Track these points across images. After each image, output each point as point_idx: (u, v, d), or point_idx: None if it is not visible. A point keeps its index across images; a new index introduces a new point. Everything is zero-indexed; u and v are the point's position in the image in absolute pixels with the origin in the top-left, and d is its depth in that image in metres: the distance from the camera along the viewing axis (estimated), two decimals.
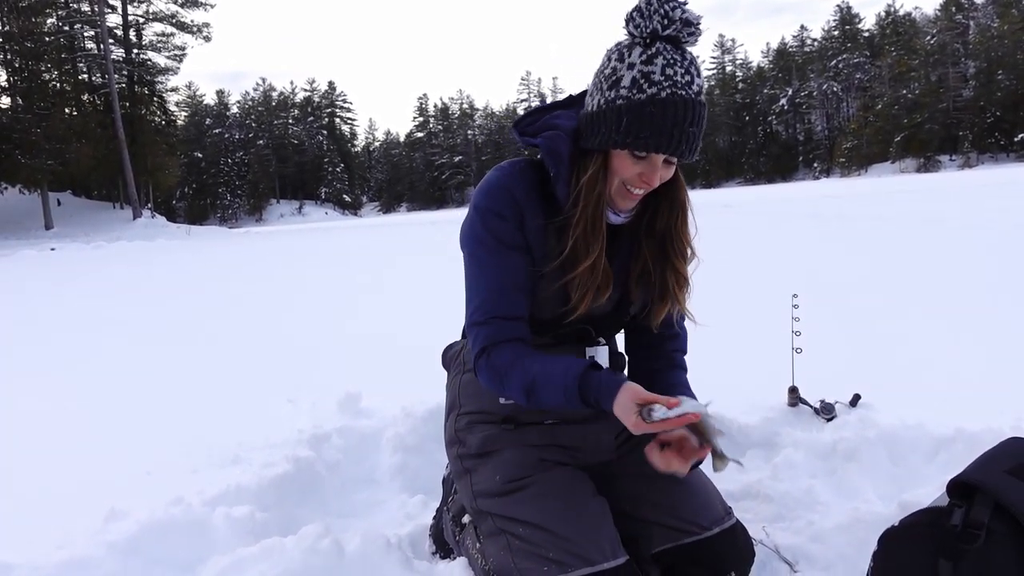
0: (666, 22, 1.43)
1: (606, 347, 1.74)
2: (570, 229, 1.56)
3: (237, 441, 2.95)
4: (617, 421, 1.78)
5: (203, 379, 4.30)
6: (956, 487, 1.42)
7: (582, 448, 1.75)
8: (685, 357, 1.87)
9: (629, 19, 1.46)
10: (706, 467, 1.52)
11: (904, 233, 10.16)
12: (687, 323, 1.86)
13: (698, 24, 1.45)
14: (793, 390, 2.85)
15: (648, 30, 1.44)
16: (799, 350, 2.74)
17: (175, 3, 47.99)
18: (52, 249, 25.50)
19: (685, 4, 1.45)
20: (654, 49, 1.44)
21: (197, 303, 8.14)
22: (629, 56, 1.47)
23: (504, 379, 1.57)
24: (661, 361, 1.80)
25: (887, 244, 9.03)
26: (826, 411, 2.75)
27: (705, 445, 1.45)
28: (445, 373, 2.01)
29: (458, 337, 1.98)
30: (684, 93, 1.43)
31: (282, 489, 2.52)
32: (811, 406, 2.81)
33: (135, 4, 48.55)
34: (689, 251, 1.70)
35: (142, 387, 4.18)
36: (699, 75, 1.47)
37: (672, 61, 1.44)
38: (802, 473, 2.51)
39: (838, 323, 4.36)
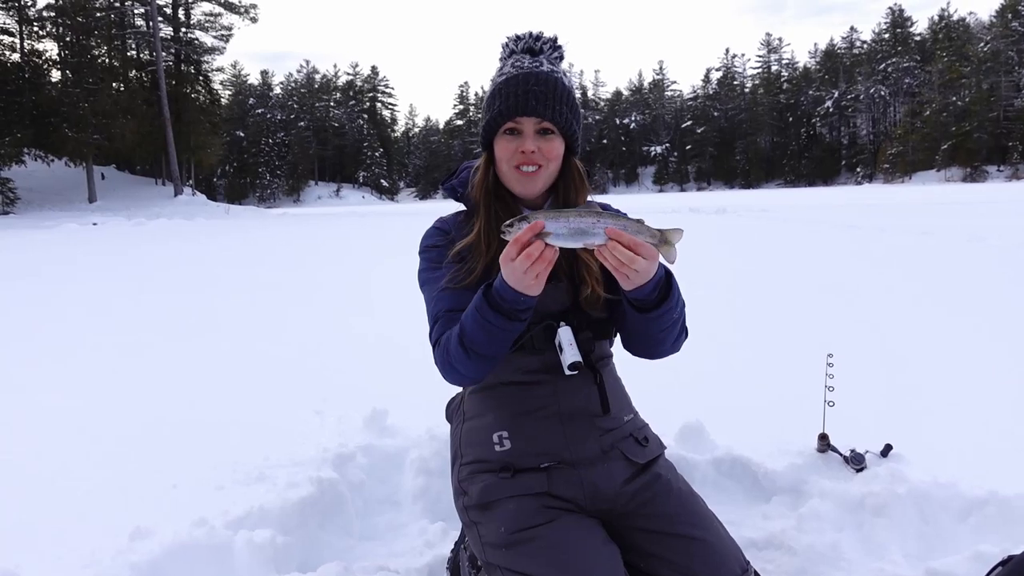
0: (517, 42, 1.74)
1: (568, 328, 1.70)
2: (479, 214, 1.75)
3: (263, 456, 2.97)
4: (619, 466, 1.75)
5: (232, 380, 4.34)
6: None
7: (579, 497, 1.73)
8: None
9: (499, 60, 1.78)
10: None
11: (949, 253, 9.89)
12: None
13: (555, 38, 1.75)
14: (823, 437, 2.79)
15: (506, 54, 1.76)
16: (831, 403, 2.69)
17: None
18: (94, 224, 26.00)
19: (539, 32, 1.75)
20: (509, 58, 1.74)
21: (229, 295, 8.21)
22: (493, 76, 1.76)
23: (448, 352, 1.61)
24: None
25: (930, 266, 8.79)
26: (856, 461, 2.70)
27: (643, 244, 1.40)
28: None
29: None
30: (529, 70, 1.67)
31: (305, 512, 2.54)
32: (841, 454, 2.76)
33: None
34: None
35: (172, 387, 4.23)
36: (550, 64, 1.71)
37: (520, 59, 1.71)
38: (828, 526, 2.47)
39: (873, 362, 4.24)
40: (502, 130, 1.68)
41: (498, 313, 1.48)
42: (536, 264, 1.39)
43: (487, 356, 1.57)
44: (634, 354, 1.79)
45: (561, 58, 1.76)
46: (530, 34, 1.75)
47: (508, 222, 1.42)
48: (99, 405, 3.90)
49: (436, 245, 1.80)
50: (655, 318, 1.58)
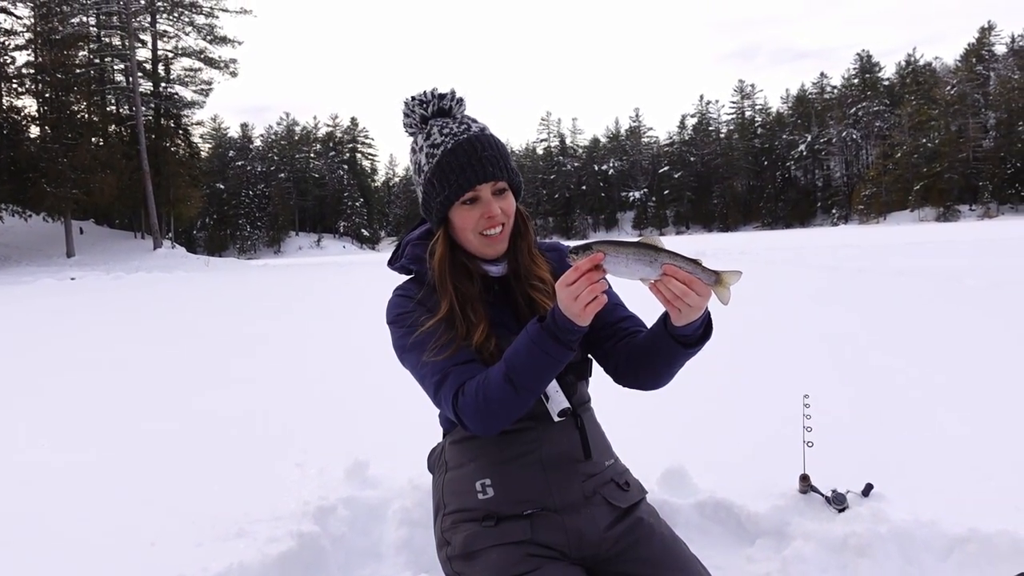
0: (424, 105, 1.74)
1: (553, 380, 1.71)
2: (444, 293, 1.72)
3: (243, 511, 2.93)
4: (602, 511, 1.75)
5: (210, 432, 4.29)
6: None
7: (563, 544, 1.72)
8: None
9: (405, 127, 1.78)
10: None
11: (925, 293, 10.00)
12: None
13: (452, 92, 1.75)
14: (804, 478, 2.81)
15: (418, 120, 1.76)
16: (810, 444, 2.71)
17: (204, 40, 49.12)
18: (72, 279, 25.82)
19: (433, 89, 1.75)
20: (427, 126, 1.74)
21: (208, 346, 8.16)
22: (416, 145, 1.76)
23: (486, 395, 1.58)
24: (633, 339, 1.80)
25: (907, 306, 8.88)
26: (837, 501, 2.70)
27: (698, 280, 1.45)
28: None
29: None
30: (464, 136, 1.69)
31: (285, 567, 2.51)
32: (822, 495, 2.76)
33: (165, 39, 49.73)
34: (540, 283, 1.78)
35: (148, 440, 4.18)
36: (475, 122, 1.74)
37: (444, 124, 1.72)
38: (813, 568, 2.47)
39: (853, 402, 4.27)
40: (460, 201, 1.69)
41: (555, 341, 1.50)
42: (591, 290, 1.42)
43: (534, 390, 1.58)
44: (628, 385, 1.79)
45: (465, 108, 1.78)
46: (432, 94, 1.75)
47: (573, 248, 1.46)
48: (74, 460, 3.83)
49: (407, 311, 1.78)
50: (690, 354, 1.63)
